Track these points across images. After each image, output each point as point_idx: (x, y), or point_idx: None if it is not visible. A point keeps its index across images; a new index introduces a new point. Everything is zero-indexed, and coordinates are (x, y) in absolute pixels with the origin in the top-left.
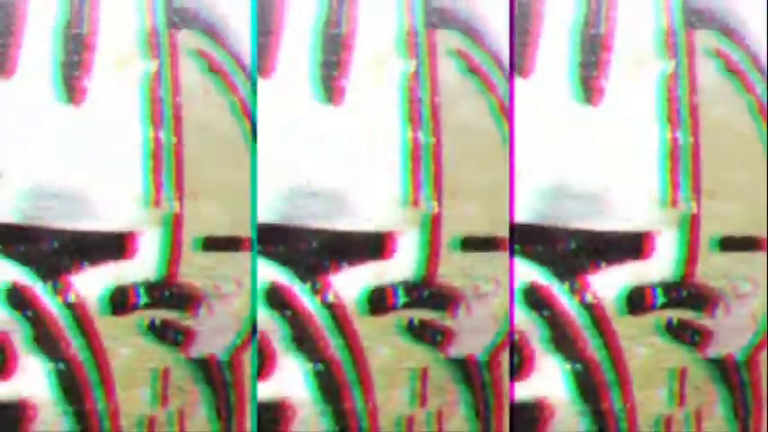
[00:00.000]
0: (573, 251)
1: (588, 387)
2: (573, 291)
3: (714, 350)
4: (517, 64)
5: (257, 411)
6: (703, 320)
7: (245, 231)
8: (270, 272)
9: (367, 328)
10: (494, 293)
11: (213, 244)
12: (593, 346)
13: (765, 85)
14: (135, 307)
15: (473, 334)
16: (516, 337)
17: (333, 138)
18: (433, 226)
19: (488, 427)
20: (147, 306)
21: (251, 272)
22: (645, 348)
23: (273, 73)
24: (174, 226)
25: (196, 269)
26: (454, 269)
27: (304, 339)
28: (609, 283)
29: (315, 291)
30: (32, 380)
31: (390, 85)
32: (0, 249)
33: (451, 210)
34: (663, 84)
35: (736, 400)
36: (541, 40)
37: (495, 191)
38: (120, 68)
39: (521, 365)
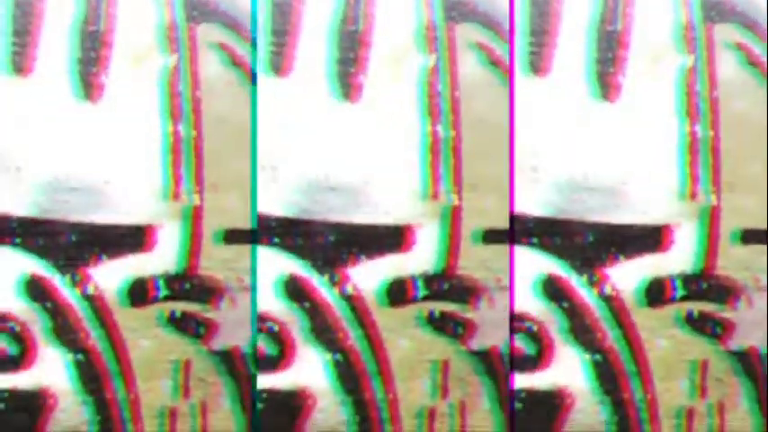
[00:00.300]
0: (591, 244)
1: (608, 377)
2: (591, 283)
3: (737, 342)
4: (533, 63)
5: (277, 400)
6: (725, 313)
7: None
8: (289, 264)
9: (387, 319)
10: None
11: (234, 236)
12: (612, 337)
13: None
14: (155, 299)
15: (494, 326)
16: (535, 327)
17: (351, 134)
18: (452, 218)
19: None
20: (167, 298)
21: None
22: (665, 340)
23: (291, 72)
24: (194, 219)
25: (217, 262)
26: (474, 262)
27: (323, 330)
28: (628, 275)
29: (333, 283)
30: (52, 369)
31: (409, 80)
32: (19, 242)
33: (471, 202)
34: (682, 78)
35: (760, 393)
36: (559, 39)
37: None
38: (137, 64)
39: (540, 355)
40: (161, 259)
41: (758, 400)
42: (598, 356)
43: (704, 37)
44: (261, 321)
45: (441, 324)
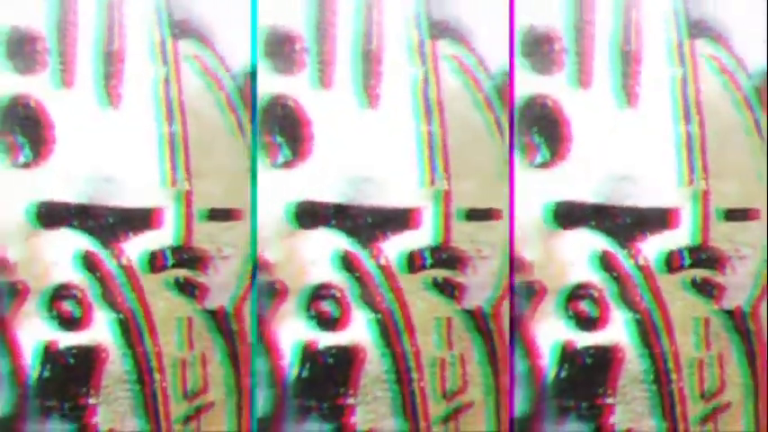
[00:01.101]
0: (628, 224)
1: (644, 334)
2: (630, 256)
3: (727, 303)
4: (580, 79)
5: (338, 355)
6: (717, 278)
7: (241, 204)
8: (341, 241)
9: (407, 284)
10: (492, 256)
11: (215, 215)
12: (646, 300)
13: (749, 84)
14: (164, 267)
15: (479, 289)
16: (596, 294)
17: (374, 135)
18: (444, 201)
19: (497, 368)
20: (173, 266)
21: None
22: (679, 301)
23: (332, 86)
24: (186, 201)
25: (204, 236)
26: (462, 236)
27: (367, 295)
28: (651, 248)
29: (372, 256)
30: (102, 328)
31: (407, 89)
32: (76, 224)
33: (458, 187)
34: (676, 87)
35: (745, 347)
36: (596, 59)
37: (490, 170)
38: (141, 76)
39: (599, 317)
40: (167, 234)
41: (745, 353)
42: (638, 316)
43: (689, 51)
44: (324, 289)
45: (442, 287)
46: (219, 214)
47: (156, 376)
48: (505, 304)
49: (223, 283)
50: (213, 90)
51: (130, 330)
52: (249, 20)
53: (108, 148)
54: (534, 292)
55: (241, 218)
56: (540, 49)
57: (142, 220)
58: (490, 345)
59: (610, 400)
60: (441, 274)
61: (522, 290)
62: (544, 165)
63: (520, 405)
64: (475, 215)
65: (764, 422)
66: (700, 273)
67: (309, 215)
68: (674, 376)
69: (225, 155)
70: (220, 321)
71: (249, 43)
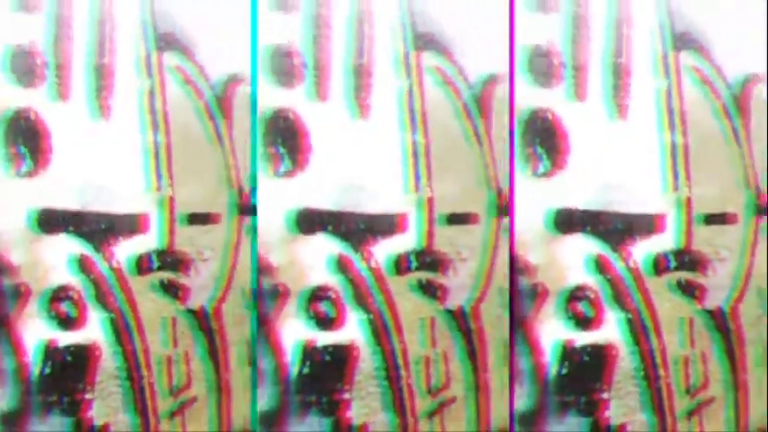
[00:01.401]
0: (619, 229)
1: (635, 332)
2: (621, 259)
3: (708, 303)
4: (576, 93)
5: (334, 353)
6: (699, 279)
7: (219, 209)
8: (336, 246)
9: (394, 286)
10: (471, 258)
11: (195, 219)
12: (636, 301)
13: (728, 92)
14: (150, 269)
15: (460, 290)
16: (592, 295)
17: (365, 145)
18: (428, 206)
19: (477, 366)
20: (158, 269)
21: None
22: (666, 302)
23: (328, 99)
24: (169, 206)
25: (184, 239)
26: (443, 239)
27: (359, 296)
28: (641, 252)
29: (363, 259)
30: (96, 327)
31: (393, 101)
32: (72, 230)
33: (439, 193)
34: (661, 98)
35: (725, 345)
36: (591, 72)
37: (469, 175)
38: (128, 88)
39: (594, 317)
40: (152, 238)
41: (725, 350)
42: (630, 316)
43: (673, 63)
44: (321, 291)
45: (426, 289)
46: (199, 219)
47: (144, 373)
48: (498, 305)
49: (203, 285)
50: (193, 99)
51: (120, 329)
52: (249, 36)
53: (99, 158)
54: (537, 294)
55: (219, 222)
56: (540, 63)
57: (130, 225)
58: (470, 343)
59: (605, 396)
60: (425, 276)
61: (526, 292)
62: (545, 174)
63: (524, 401)
64: (455, 219)
65: (745, 416)
66: (684, 275)
67: (308, 222)
68: (662, 373)
69: (204, 161)
70: (201, 320)
71: (249, 60)
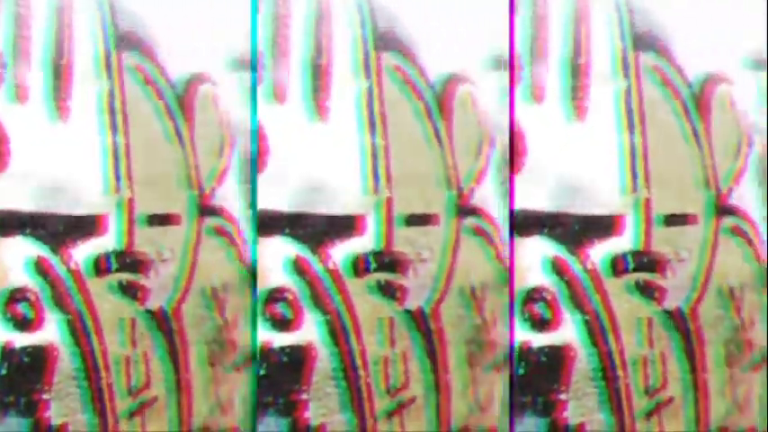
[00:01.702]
0: (577, 231)
1: (593, 333)
2: (579, 261)
3: (667, 304)
4: (533, 92)
5: (292, 354)
6: (659, 280)
7: (178, 209)
8: (293, 248)
9: (353, 287)
10: (431, 259)
11: (154, 220)
12: (594, 302)
13: (689, 91)
14: (108, 271)
15: (420, 289)
16: (548, 297)
17: (324, 147)
18: (387, 208)
19: (437, 366)
20: (117, 270)
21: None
22: (624, 303)
23: (285, 101)
24: (128, 207)
25: (144, 240)
26: (402, 240)
27: (317, 297)
28: (598, 253)
29: (321, 260)
30: (53, 328)
31: (352, 102)
32: (28, 232)
33: (399, 195)
34: (620, 99)
35: (684, 345)
36: (548, 72)
37: (428, 177)
38: (87, 89)
39: (551, 319)
40: (111, 240)
41: (684, 350)
42: (587, 317)
43: (633, 64)
44: (278, 293)
45: (385, 290)
46: (159, 220)
47: (103, 373)
48: (458, 305)
49: (162, 285)
50: (153, 99)
51: (78, 331)
52: (212, 36)
53: (58, 160)
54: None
55: (180, 223)
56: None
57: (88, 226)
58: (429, 343)
59: (563, 396)
60: (384, 277)
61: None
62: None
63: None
64: (415, 221)
65: (705, 416)
66: (642, 276)
67: (267, 223)
68: (620, 373)
69: (164, 162)
70: (160, 321)
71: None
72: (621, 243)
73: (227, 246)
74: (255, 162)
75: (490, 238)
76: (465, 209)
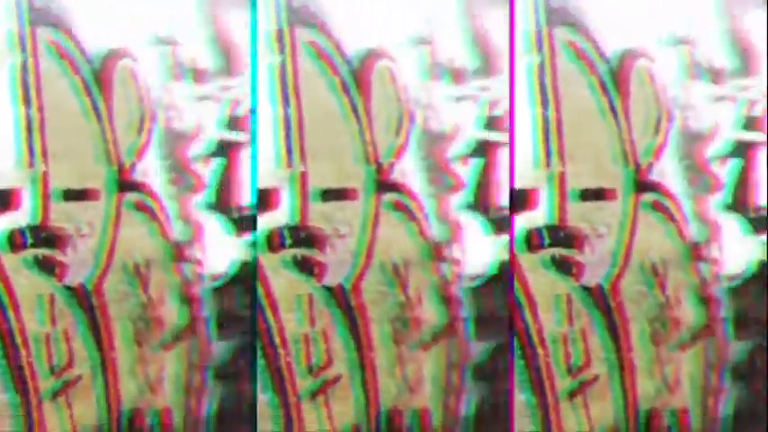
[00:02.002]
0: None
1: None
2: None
3: (586, 280)
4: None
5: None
6: (576, 256)
7: (96, 184)
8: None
9: (269, 262)
10: (350, 234)
11: (71, 195)
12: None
13: (606, 67)
14: (24, 246)
15: (339, 265)
16: None
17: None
18: (301, 182)
19: (360, 344)
20: (32, 246)
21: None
22: (541, 278)
23: None
24: (43, 182)
25: (61, 214)
26: (318, 215)
27: None
28: (519, 228)
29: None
30: None
31: (268, 76)
32: None
33: (313, 169)
34: (533, 73)
35: (606, 322)
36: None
37: (343, 150)
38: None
39: None
40: (25, 215)
41: (607, 328)
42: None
43: (547, 39)
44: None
45: (302, 265)
46: (75, 195)
47: (22, 351)
48: (380, 282)
49: (82, 261)
50: (69, 74)
51: None
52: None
53: None
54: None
55: (98, 198)
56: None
57: (1, 200)
58: (351, 320)
59: None
60: (301, 252)
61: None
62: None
63: None
64: (330, 195)
65: (633, 395)
66: (559, 251)
67: None
68: (540, 351)
69: (81, 137)
70: (81, 298)
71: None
72: (536, 217)
73: (148, 221)
74: None
75: (412, 214)
76: (385, 184)
